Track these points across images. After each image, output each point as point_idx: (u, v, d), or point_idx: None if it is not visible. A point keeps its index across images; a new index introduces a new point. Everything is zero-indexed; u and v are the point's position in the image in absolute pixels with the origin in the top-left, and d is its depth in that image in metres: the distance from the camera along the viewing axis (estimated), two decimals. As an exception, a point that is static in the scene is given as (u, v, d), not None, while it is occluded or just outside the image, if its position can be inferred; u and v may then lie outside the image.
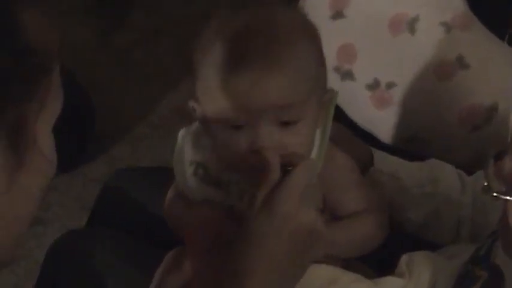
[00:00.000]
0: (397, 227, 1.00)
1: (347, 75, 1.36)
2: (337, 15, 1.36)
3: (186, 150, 0.94)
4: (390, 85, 1.33)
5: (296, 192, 0.77)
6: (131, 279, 1.04)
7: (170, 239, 0.97)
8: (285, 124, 0.83)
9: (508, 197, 0.68)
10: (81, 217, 1.78)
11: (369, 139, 1.30)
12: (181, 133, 0.96)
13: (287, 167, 0.80)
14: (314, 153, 0.88)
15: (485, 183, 0.70)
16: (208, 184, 0.92)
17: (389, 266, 0.95)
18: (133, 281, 1.03)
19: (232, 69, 0.82)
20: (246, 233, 0.77)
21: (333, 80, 1.30)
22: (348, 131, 1.09)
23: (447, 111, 1.29)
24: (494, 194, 0.69)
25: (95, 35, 2.22)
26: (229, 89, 0.82)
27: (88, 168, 1.93)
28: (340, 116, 1.31)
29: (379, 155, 1.06)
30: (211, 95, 0.85)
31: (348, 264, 0.94)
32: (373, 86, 1.35)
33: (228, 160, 0.87)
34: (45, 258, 1.16)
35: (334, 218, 0.94)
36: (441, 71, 1.30)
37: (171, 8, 2.28)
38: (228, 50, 0.83)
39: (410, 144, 1.33)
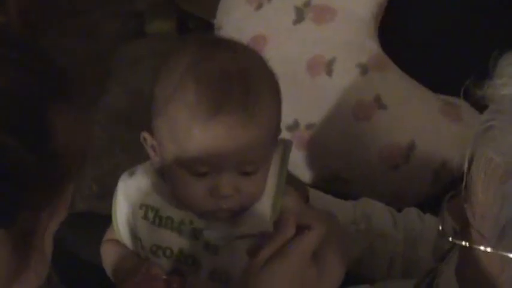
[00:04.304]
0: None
1: (267, 117, 1.35)
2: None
3: (131, 195, 0.93)
4: (310, 126, 1.34)
5: (307, 252, 0.76)
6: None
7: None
8: (246, 174, 0.85)
9: (463, 242, 0.67)
10: None
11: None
12: (123, 179, 0.94)
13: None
14: (270, 200, 0.89)
15: (440, 228, 0.70)
16: (159, 226, 0.90)
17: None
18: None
19: (209, 118, 0.81)
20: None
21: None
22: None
23: (367, 150, 1.31)
24: (450, 239, 0.69)
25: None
26: (203, 136, 0.82)
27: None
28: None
29: (313, 193, 1.07)
30: (181, 138, 0.84)
31: None
32: (293, 127, 1.35)
33: (185, 201, 0.88)
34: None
35: None
36: (359, 111, 1.32)
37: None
38: (204, 96, 0.82)
39: (332, 183, 1.34)
